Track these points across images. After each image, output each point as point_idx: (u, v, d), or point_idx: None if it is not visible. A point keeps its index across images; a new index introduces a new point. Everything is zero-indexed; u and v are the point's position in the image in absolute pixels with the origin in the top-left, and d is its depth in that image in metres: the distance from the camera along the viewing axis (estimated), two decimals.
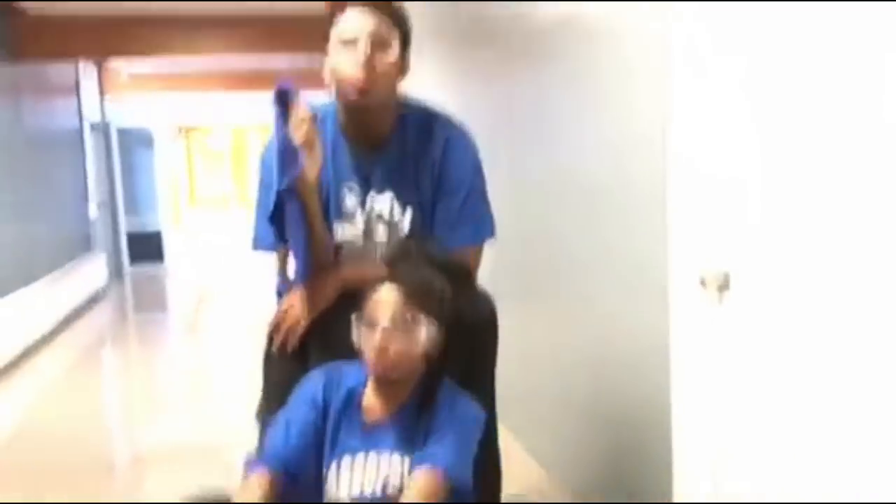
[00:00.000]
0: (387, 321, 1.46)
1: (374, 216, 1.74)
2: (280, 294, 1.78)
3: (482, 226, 1.78)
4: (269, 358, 1.76)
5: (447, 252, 1.65)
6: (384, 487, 1.49)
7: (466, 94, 3.77)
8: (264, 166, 1.73)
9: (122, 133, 9.70)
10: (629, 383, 2.22)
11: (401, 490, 1.47)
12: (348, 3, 1.64)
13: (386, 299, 1.48)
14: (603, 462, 2.47)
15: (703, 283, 1.59)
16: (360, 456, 1.52)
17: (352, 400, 1.56)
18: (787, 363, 1.42)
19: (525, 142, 2.99)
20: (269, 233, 1.72)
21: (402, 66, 1.69)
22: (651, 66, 1.93)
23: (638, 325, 2.13)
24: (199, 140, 17.20)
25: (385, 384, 1.54)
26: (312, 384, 1.57)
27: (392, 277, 1.50)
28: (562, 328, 2.75)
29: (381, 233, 1.74)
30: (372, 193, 1.73)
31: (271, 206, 1.65)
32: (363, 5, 1.63)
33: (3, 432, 3.94)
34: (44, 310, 6.14)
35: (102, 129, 9.12)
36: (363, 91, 1.61)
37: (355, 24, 1.62)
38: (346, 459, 1.51)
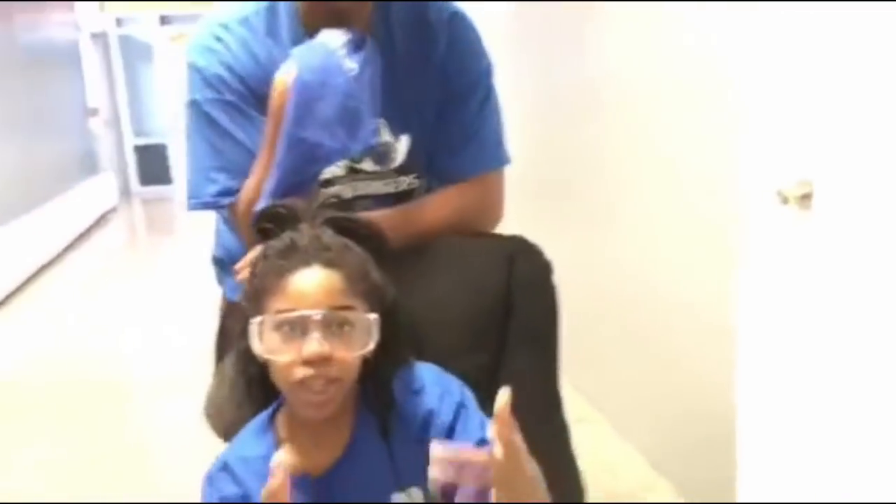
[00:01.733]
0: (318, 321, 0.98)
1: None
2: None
3: (502, 143, 1.40)
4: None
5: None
6: None
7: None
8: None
9: (123, 42, 9.37)
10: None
11: None
12: None
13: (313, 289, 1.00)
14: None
15: (782, 198, 1.34)
16: None
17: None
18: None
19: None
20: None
21: None
22: None
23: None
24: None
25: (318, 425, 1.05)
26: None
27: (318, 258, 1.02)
28: (621, 262, 2.49)
29: (367, 161, 1.36)
30: None
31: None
32: None
33: (13, 358, 3.91)
34: (49, 235, 5.99)
35: (101, 38, 8.83)
36: None
37: None
38: None
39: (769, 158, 1.37)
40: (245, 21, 1.32)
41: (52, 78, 7.07)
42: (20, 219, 5.43)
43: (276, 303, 0.99)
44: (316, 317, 0.97)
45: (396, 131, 1.35)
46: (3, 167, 5.38)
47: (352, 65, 1.19)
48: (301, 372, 0.98)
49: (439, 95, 1.34)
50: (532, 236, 1.34)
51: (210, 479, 1.07)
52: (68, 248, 6.45)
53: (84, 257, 6.36)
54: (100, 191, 8.07)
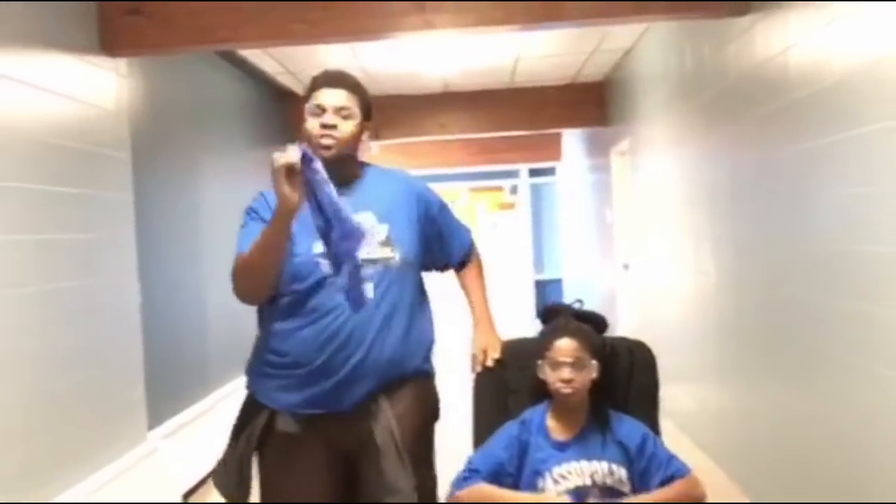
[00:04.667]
0: (571, 361, 2.12)
1: None
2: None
3: (467, 232, 2.42)
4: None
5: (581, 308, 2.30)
6: (593, 484, 2.07)
7: (713, 159, 3.87)
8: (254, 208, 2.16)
9: None
10: None
11: (606, 486, 2.07)
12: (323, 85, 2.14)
13: (567, 348, 2.13)
14: None
15: None
16: (565, 464, 2.09)
17: (540, 429, 2.16)
18: None
19: (776, 206, 3.05)
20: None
21: (361, 130, 2.15)
22: None
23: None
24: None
25: (566, 407, 2.16)
26: (509, 428, 2.18)
27: (567, 333, 2.16)
28: (817, 403, 2.74)
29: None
30: None
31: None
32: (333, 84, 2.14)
33: None
34: None
35: None
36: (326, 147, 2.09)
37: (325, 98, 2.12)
38: (556, 469, 2.09)
39: None
40: None
41: None
42: None
43: (550, 353, 2.14)
44: (568, 360, 2.13)
45: (380, 220, 2.12)
46: None
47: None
48: (560, 384, 2.13)
49: (420, 214, 2.21)
50: None
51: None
52: None
53: None
54: None
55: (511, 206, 12.51)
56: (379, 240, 2.10)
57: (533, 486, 2.10)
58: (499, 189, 12.80)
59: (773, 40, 2.97)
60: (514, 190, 12.34)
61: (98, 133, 3.24)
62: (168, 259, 4.12)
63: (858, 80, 2.33)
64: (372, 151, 9.82)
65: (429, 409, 2.22)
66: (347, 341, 2.04)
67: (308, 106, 2.12)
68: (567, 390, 2.11)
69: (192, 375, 4.31)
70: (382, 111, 7.13)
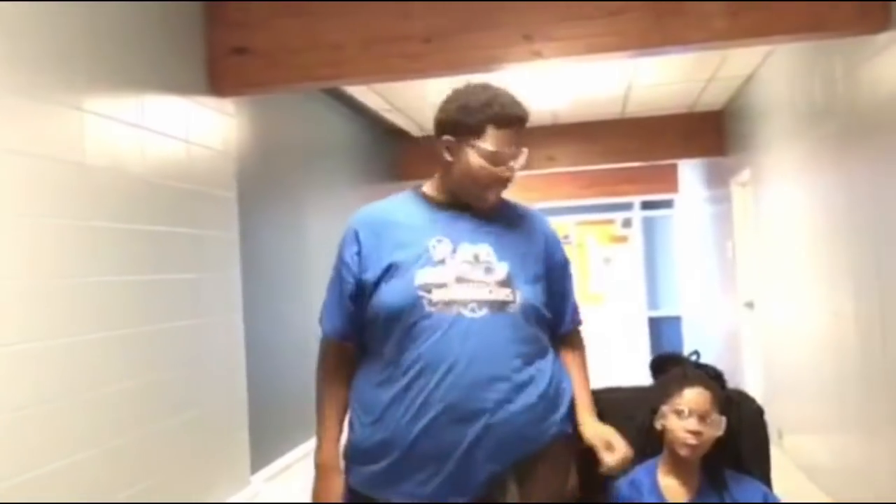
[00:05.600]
0: (700, 412, 1.94)
1: (468, 259, 1.79)
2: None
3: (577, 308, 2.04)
4: None
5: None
6: None
7: (845, 189, 3.64)
8: (343, 261, 1.86)
9: None
10: None
11: None
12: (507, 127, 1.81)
13: (698, 398, 1.95)
14: None
15: None
16: None
17: (652, 490, 1.97)
18: None
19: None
20: (341, 322, 1.86)
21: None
22: None
23: None
24: None
25: (683, 465, 1.97)
26: (619, 490, 1.98)
27: (697, 382, 1.98)
28: None
29: (473, 273, 1.78)
30: (464, 244, 1.81)
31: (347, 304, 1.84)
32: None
33: None
34: None
35: None
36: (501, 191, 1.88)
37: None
38: None
39: None
40: None
41: None
42: None
43: (678, 401, 1.96)
44: (698, 410, 1.95)
45: (499, 256, 1.82)
46: None
47: None
48: (687, 435, 1.93)
49: (544, 261, 1.91)
50: None
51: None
52: None
53: None
54: None
55: (624, 239, 12.17)
56: (496, 277, 1.80)
57: None
58: (610, 222, 12.50)
59: None
60: (626, 223, 12.00)
61: (205, 172, 3.25)
62: (272, 298, 4.10)
63: None
64: None
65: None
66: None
67: (482, 146, 1.78)
68: (693, 442, 1.92)
69: (295, 417, 4.26)
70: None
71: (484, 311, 1.73)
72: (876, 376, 3.36)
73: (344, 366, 1.86)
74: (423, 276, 1.74)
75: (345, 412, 1.87)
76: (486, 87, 1.82)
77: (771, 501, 1.99)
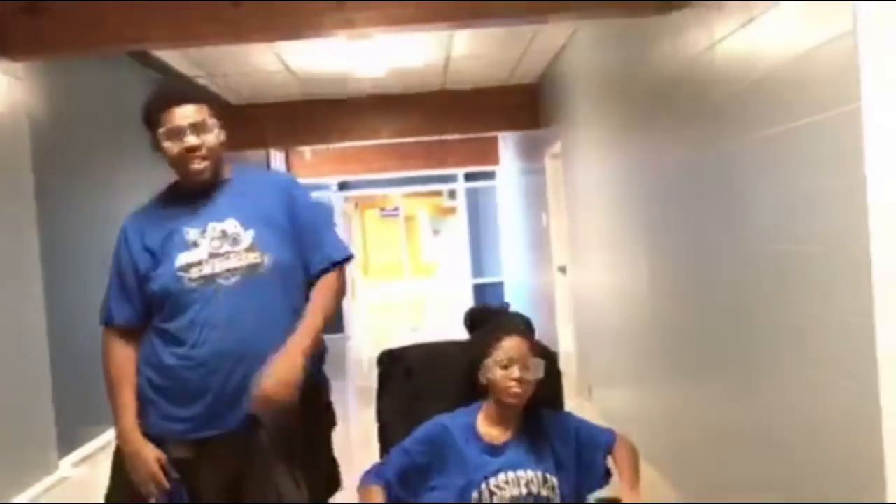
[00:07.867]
0: (520, 360, 2.03)
1: (217, 236, 2.03)
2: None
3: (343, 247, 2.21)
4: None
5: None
6: (528, 493, 1.99)
7: (644, 159, 3.83)
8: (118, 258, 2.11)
9: None
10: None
11: (541, 497, 2.00)
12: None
13: (517, 346, 2.04)
14: None
15: None
16: (501, 474, 2.00)
17: (470, 434, 2.05)
18: None
19: (708, 206, 2.99)
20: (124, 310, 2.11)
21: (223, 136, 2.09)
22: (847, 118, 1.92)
23: (842, 409, 2.07)
24: (372, 212, 16.38)
25: (506, 412, 2.06)
26: (430, 427, 2.08)
27: (513, 331, 2.08)
28: (752, 406, 2.69)
29: (224, 247, 2.02)
30: (212, 223, 2.04)
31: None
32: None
33: None
34: None
35: None
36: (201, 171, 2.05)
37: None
38: (493, 480, 2.00)
39: None
40: None
41: None
42: None
43: (499, 353, 2.04)
44: (520, 359, 2.04)
45: (245, 225, 2.04)
46: None
47: None
48: (512, 383, 2.02)
49: (289, 216, 2.10)
50: None
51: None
52: None
53: None
54: None
55: (452, 211, 12.44)
56: (243, 246, 2.03)
57: (467, 497, 2.00)
58: (437, 194, 12.73)
59: (701, 37, 2.91)
60: (451, 195, 12.27)
61: None
62: (76, 275, 3.88)
63: (781, 77, 2.28)
64: (306, 157, 9.67)
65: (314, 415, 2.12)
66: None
67: (161, 132, 2.01)
68: (518, 390, 2.02)
69: (102, 398, 4.07)
70: (312, 116, 7.14)
71: (237, 278, 2.01)
72: (666, 332, 3.67)
73: (126, 347, 2.12)
74: (182, 259, 2.02)
75: (135, 384, 2.11)
76: (162, 82, 2.08)
77: (583, 428, 2.13)
